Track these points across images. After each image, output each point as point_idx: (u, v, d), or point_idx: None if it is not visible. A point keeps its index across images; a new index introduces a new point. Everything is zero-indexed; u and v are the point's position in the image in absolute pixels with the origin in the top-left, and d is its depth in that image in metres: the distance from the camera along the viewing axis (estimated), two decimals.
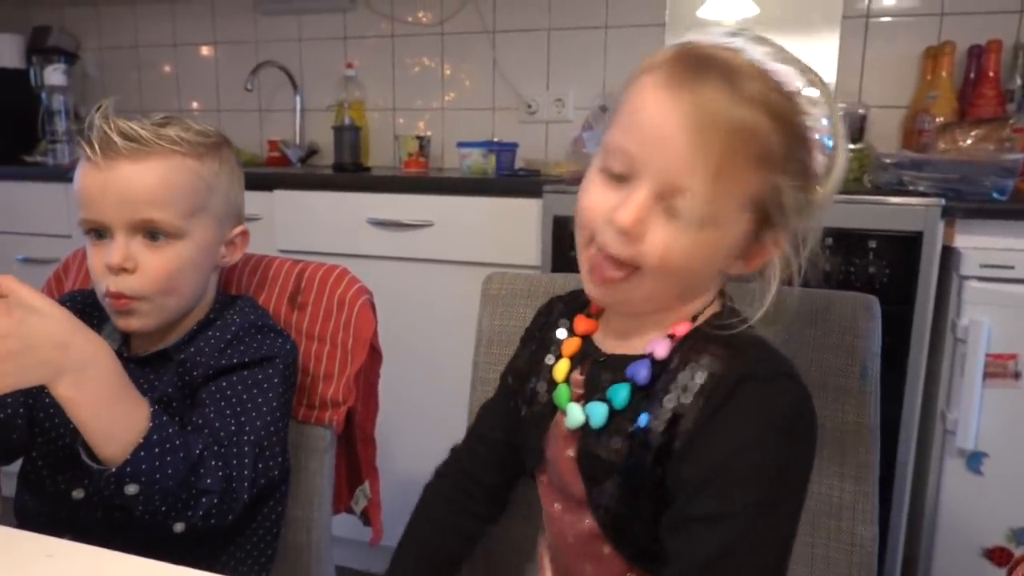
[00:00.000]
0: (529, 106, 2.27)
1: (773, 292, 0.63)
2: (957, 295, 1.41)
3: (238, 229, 0.91)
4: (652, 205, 0.59)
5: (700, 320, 0.66)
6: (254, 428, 0.80)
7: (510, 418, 0.78)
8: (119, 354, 0.87)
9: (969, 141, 1.63)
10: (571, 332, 0.73)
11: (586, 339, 0.72)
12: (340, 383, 0.97)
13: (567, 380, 0.70)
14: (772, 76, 0.58)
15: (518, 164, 2.09)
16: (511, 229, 1.68)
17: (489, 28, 2.28)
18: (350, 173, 2.10)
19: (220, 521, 0.77)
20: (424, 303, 1.78)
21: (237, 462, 0.77)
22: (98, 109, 0.81)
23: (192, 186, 0.83)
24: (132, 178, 0.79)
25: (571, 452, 0.69)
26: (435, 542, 0.83)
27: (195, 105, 2.70)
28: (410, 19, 2.37)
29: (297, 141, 2.51)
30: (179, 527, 0.76)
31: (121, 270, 0.80)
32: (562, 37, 2.23)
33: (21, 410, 0.85)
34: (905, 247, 1.41)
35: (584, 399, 0.68)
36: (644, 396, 0.63)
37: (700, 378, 0.61)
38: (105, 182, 0.79)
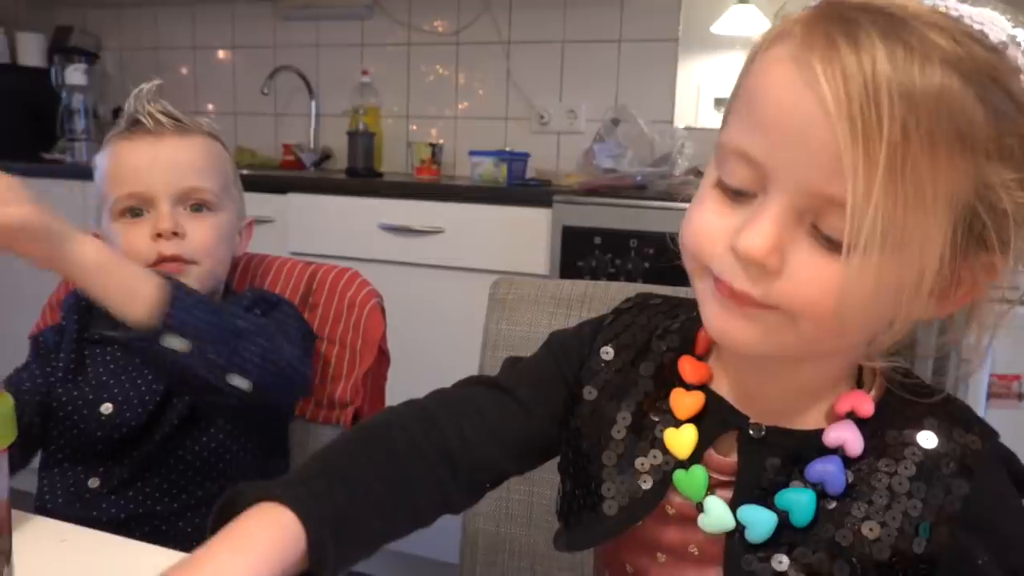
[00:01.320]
0: (541, 117, 2.29)
1: (987, 343, 0.47)
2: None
3: (248, 219, 0.98)
4: (793, 225, 0.42)
5: (874, 389, 0.50)
6: (289, 333, 0.83)
7: (561, 428, 0.58)
8: (142, 339, 0.89)
9: None
10: (676, 377, 0.53)
11: (707, 392, 0.52)
12: (348, 384, 0.99)
13: (698, 458, 0.51)
14: (966, 23, 0.40)
15: (529, 174, 2.11)
16: (521, 238, 1.70)
17: (504, 39, 2.31)
18: (363, 178, 2.12)
19: (281, 373, 0.76)
20: (433, 308, 1.80)
21: (284, 339, 0.80)
22: (139, 92, 0.87)
23: (224, 164, 0.92)
24: (180, 148, 0.86)
25: (707, 558, 0.51)
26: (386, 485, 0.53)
27: (211, 107, 2.74)
28: (426, 28, 2.40)
29: (311, 145, 2.54)
30: (238, 380, 0.73)
31: (172, 234, 0.84)
32: (576, 49, 2.25)
33: (36, 399, 0.86)
34: None
35: (736, 495, 0.49)
36: (832, 502, 0.47)
37: (910, 469, 0.46)
38: (156, 153, 0.85)
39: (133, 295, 0.68)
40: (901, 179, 0.39)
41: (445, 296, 1.79)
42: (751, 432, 0.50)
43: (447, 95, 2.41)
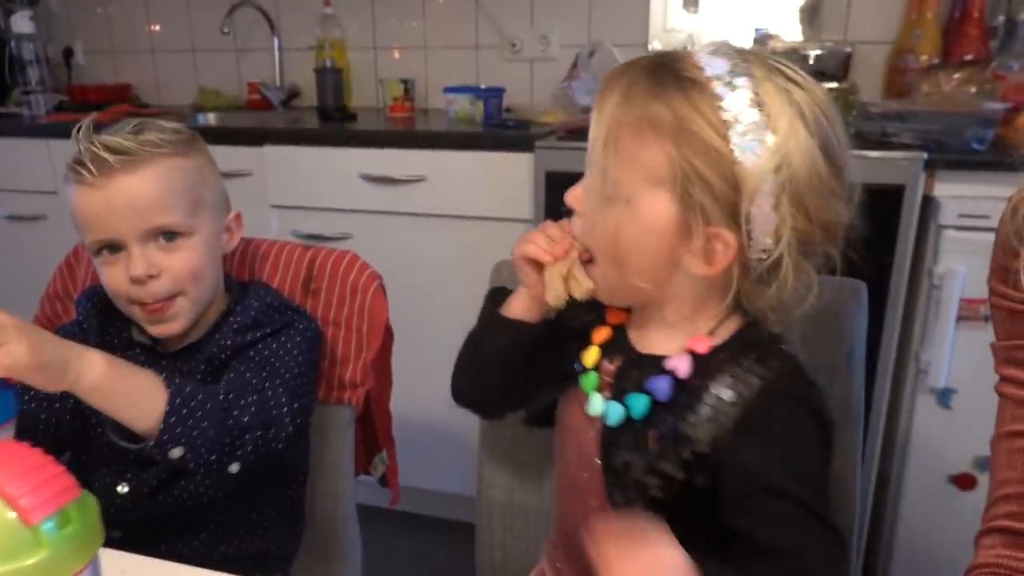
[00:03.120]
0: (513, 44, 2.24)
1: (774, 292, 0.64)
2: (935, 244, 1.47)
3: (232, 214, 0.95)
4: (597, 190, 0.66)
5: (719, 337, 0.69)
6: (283, 377, 0.86)
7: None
8: (152, 350, 0.91)
9: (952, 84, 1.66)
10: (601, 319, 0.76)
11: (618, 329, 0.75)
12: (358, 366, 1.02)
13: (597, 368, 0.74)
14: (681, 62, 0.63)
15: (504, 106, 2.08)
16: (503, 184, 1.71)
17: None
18: (338, 124, 2.08)
19: (270, 453, 0.82)
20: (421, 257, 1.82)
21: (272, 395, 0.83)
22: (78, 131, 0.83)
23: (187, 182, 0.87)
24: (133, 189, 0.82)
25: (592, 433, 0.73)
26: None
27: (170, 45, 2.62)
28: None
29: (278, 83, 2.46)
30: (234, 467, 0.79)
31: (148, 277, 0.84)
32: None
33: (69, 404, 0.88)
34: (887, 198, 1.45)
35: (612, 392, 0.72)
36: (663, 409, 0.68)
37: (728, 396, 0.65)
38: (108, 199, 0.82)
39: (140, 410, 0.74)
40: (621, 153, 0.63)
41: (431, 244, 1.80)
42: (629, 355, 0.73)
43: (415, 24, 2.33)
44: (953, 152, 1.46)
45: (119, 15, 2.65)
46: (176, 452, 0.75)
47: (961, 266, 1.43)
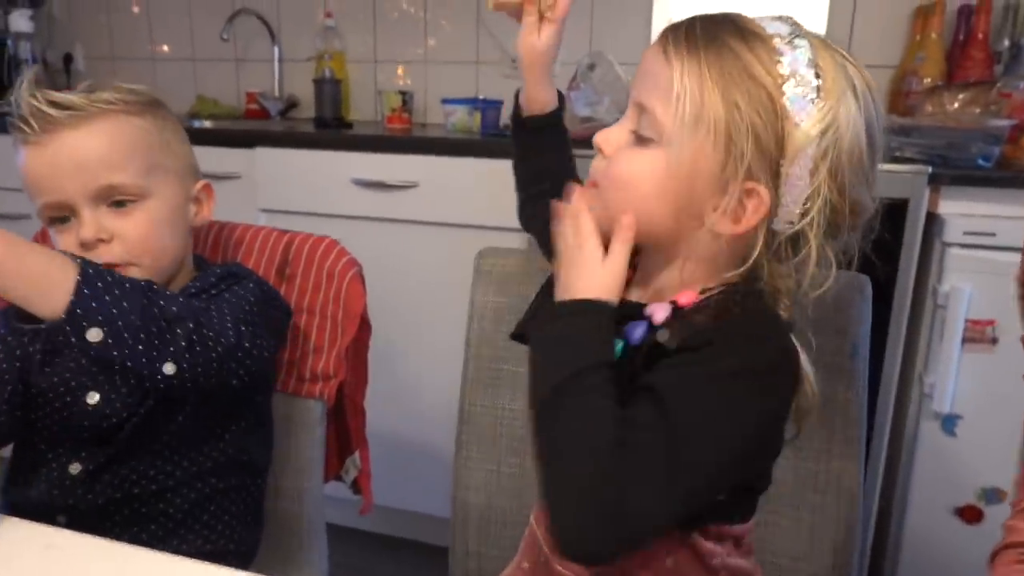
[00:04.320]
0: (514, 60, 2.22)
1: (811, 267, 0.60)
2: (939, 262, 1.42)
3: (199, 184, 0.89)
4: (628, 130, 0.63)
5: (705, 295, 0.64)
6: (229, 302, 0.78)
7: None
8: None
9: (956, 105, 1.63)
10: None
11: None
12: (331, 356, 0.97)
13: None
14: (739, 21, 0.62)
15: (504, 121, 2.06)
16: (497, 191, 1.66)
17: None
18: (333, 130, 2.05)
19: (210, 356, 0.72)
20: (410, 265, 1.77)
21: (216, 313, 0.75)
22: (19, 86, 0.76)
23: (143, 142, 0.81)
24: (80, 145, 0.76)
25: None
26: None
27: (167, 49, 2.60)
28: None
29: (276, 93, 2.44)
30: (169, 368, 0.70)
31: (98, 242, 0.78)
32: None
33: (9, 388, 0.82)
34: (891, 214, 1.41)
35: None
36: (634, 353, 0.63)
37: (696, 325, 0.61)
38: (53, 156, 0.76)
39: (44, 287, 0.64)
40: (663, 90, 0.60)
41: (422, 252, 1.76)
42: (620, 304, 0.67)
43: (415, 38, 2.32)
44: (958, 168, 1.42)
45: (121, 22, 2.64)
46: (94, 334, 0.65)
47: (966, 285, 1.38)
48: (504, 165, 1.68)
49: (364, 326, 1.02)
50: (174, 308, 0.71)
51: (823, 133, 0.58)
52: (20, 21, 2.15)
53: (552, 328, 0.62)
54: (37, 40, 2.26)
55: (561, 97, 0.88)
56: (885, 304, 1.44)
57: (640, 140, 0.62)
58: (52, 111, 0.75)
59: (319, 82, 2.20)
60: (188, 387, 0.72)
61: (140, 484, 0.82)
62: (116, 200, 0.79)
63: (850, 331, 0.79)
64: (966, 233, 1.39)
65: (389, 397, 1.81)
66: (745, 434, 0.58)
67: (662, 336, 0.61)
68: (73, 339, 0.65)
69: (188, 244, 0.89)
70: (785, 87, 0.58)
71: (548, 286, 0.73)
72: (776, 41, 0.59)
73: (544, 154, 0.88)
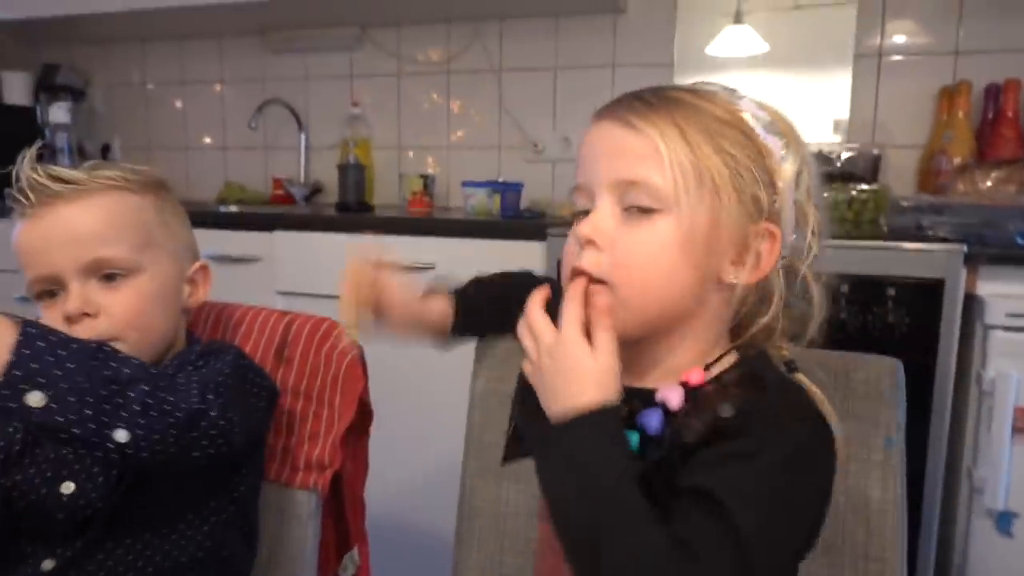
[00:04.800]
0: (535, 145, 2.24)
1: (774, 308, 0.60)
2: (982, 345, 1.34)
3: (197, 265, 0.88)
4: (614, 212, 0.59)
5: (716, 370, 0.61)
6: (200, 374, 0.73)
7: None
8: None
9: (989, 183, 1.58)
10: None
11: None
12: (326, 444, 0.92)
13: None
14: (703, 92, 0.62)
15: (524, 204, 2.05)
16: None
17: (495, 66, 2.26)
18: (352, 213, 2.06)
19: (167, 424, 0.66)
20: (421, 351, 1.72)
21: (182, 381, 0.70)
22: (21, 160, 0.76)
23: (138, 219, 0.80)
24: (74, 219, 0.76)
25: None
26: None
27: (203, 142, 2.69)
28: (417, 57, 2.35)
29: (302, 179, 2.48)
30: (121, 435, 0.64)
31: (83, 316, 0.75)
32: (569, 76, 2.20)
33: None
34: (926, 295, 1.34)
35: None
36: (654, 444, 0.60)
37: (724, 411, 0.58)
38: (47, 229, 0.76)
39: None
40: (669, 155, 0.57)
41: None
42: None
43: (439, 125, 2.36)
44: (995, 246, 1.35)
45: (158, 115, 2.74)
46: (35, 398, 0.60)
47: (1013, 370, 1.29)
48: (522, 246, 1.68)
49: (365, 413, 0.97)
50: (127, 370, 0.66)
51: (798, 161, 0.60)
52: (59, 113, 2.24)
53: (558, 451, 0.56)
54: (75, 131, 2.34)
55: (450, 291, 0.86)
56: (926, 392, 1.35)
57: (640, 213, 0.58)
58: (52, 184, 0.76)
59: (343, 167, 2.23)
60: (144, 456, 0.66)
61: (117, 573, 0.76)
62: (106, 274, 0.77)
63: (881, 420, 0.72)
64: (1009, 315, 1.31)
65: (390, 487, 1.74)
66: (806, 522, 0.56)
67: (688, 433, 0.58)
68: (12, 404, 0.60)
69: (180, 324, 0.86)
70: (754, 126, 0.60)
71: (523, 391, 0.67)
72: (720, 93, 0.61)
73: (486, 315, 0.86)
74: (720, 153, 0.58)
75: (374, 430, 0.99)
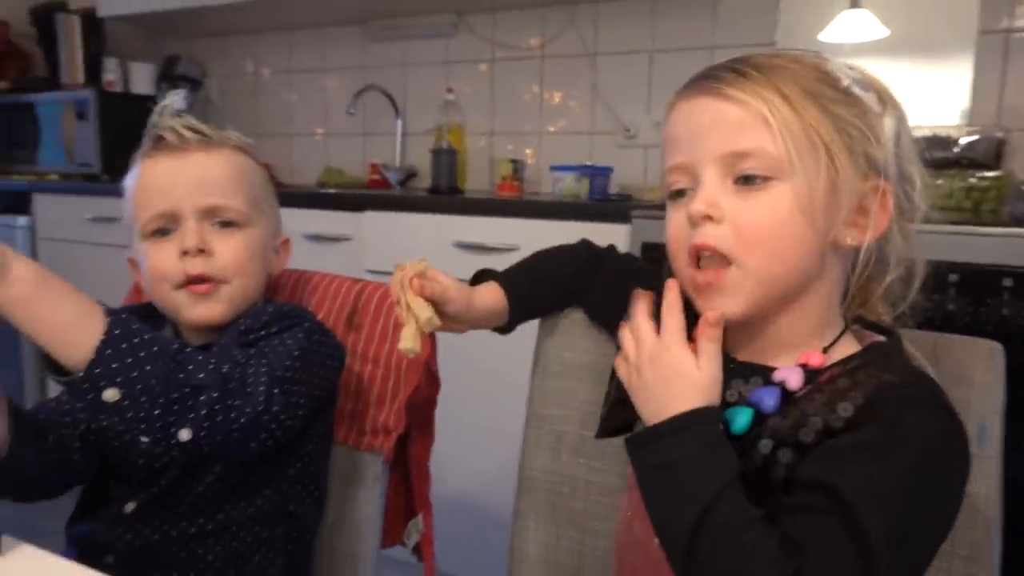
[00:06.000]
0: (628, 130, 2.19)
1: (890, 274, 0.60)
2: None
3: (282, 237, 0.94)
4: (723, 185, 0.58)
5: (833, 353, 0.60)
6: (269, 360, 0.75)
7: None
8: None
9: None
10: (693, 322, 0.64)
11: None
12: (392, 409, 0.93)
13: None
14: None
15: (613, 189, 2.01)
16: None
17: (590, 51, 2.23)
18: (443, 196, 2.09)
19: (230, 427, 0.69)
20: None
21: (252, 375, 0.72)
22: (162, 108, 0.85)
23: (253, 180, 0.88)
24: (205, 164, 0.83)
25: None
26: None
27: (306, 128, 2.79)
28: (511, 43, 2.35)
29: (397, 164, 2.54)
30: (184, 434, 0.67)
31: (199, 251, 0.81)
32: (665, 59, 2.15)
33: (83, 427, 0.82)
34: None
35: None
36: (766, 423, 0.59)
37: (845, 411, 0.55)
38: (180, 169, 0.82)
39: (68, 338, 0.63)
40: (783, 122, 0.57)
41: None
42: (727, 364, 0.62)
43: (531, 110, 2.35)
44: None
45: (267, 103, 2.87)
46: (110, 394, 0.63)
47: None
48: (607, 228, 1.64)
49: (432, 381, 0.97)
50: (200, 375, 0.69)
51: (897, 119, 0.59)
52: (176, 99, 2.37)
53: (661, 454, 0.56)
54: (188, 114, 2.48)
55: (500, 276, 0.83)
56: None
57: (754, 183, 0.57)
58: (188, 133, 0.84)
59: (436, 152, 2.26)
60: (204, 452, 0.69)
61: (178, 526, 0.79)
62: (222, 220, 0.83)
63: (974, 407, 0.66)
64: None
65: (454, 458, 1.75)
66: (937, 531, 0.54)
67: (807, 421, 0.56)
68: (89, 396, 0.63)
69: (263, 286, 0.90)
70: (848, 84, 0.58)
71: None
72: (806, 55, 0.61)
73: (543, 297, 0.86)
74: (826, 113, 0.57)
75: (440, 400, 0.99)
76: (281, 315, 0.83)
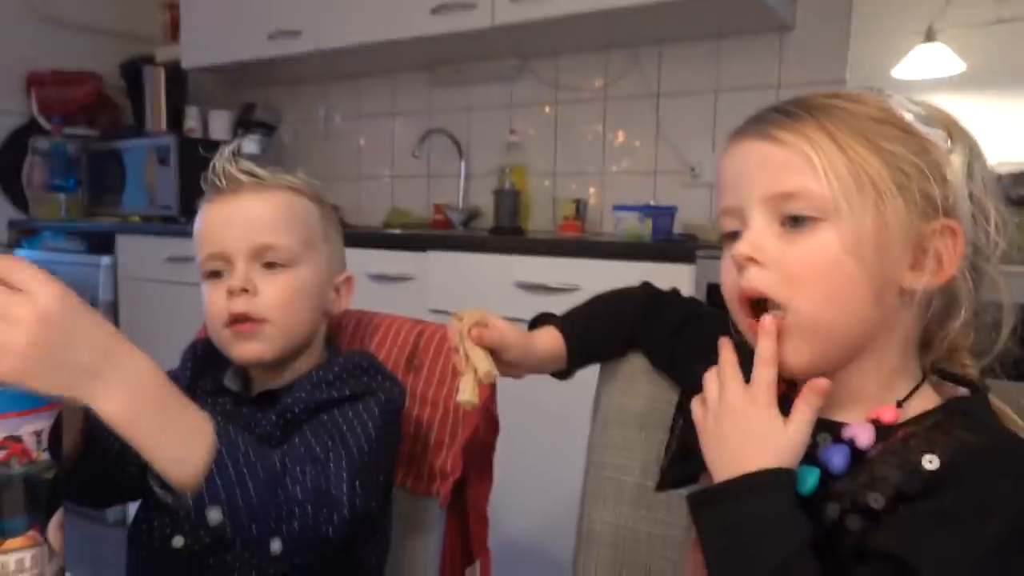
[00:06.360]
0: (692, 169, 2.17)
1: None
2: None
3: (344, 275, 0.94)
4: (770, 228, 0.57)
5: (908, 407, 0.57)
6: (350, 451, 0.75)
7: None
8: (238, 396, 0.87)
9: None
10: None
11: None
12: (449, 452, 0.92)
13: None
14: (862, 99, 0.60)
15: (678, 229, 1.99)
16: None
17: (654, 91, 2.23)
18: (501, 235, 2.10)
19: (319, 536, 0.70)
20: None
21: (334, 469, 0.73)
22: (220, 154, 0.87)
23: (304, 219, 0.88)
24: (254, 206, 0.85)
25: None
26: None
27: (373, 171, 2.86)
28: (575, 86, 2.37)
29: (460, 205, 2.57)
30: (276, 546, 0.68)
31: (243, 291, 0.83)
32: (730, 98, 2.12)
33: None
34: None
35: None
36: (832, 484, 0.55)
37: (921, 475, 0.52)
38: (231, 212, 0.85)
39: (177, 454, 0.61)
40: (830, 161, 0.55)
41: None
42: None
43: (594, 151, 2.36)
44: None
45: (338, 147, 2.96)
46: (214, 515, 0.64)
47: None
48: (670, 268, 1.62)
49: (491, 424, 0.96)
50: (299, 494, 0.69)
51: (968, 151, 0.56)
52: (250, 145, 2.48)
53: (730, 513, 0.53)
54: (264, 162, 2.57)
55: (558, 320, 0.84)
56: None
57: (800, 224, 0.55)
58: (241, 176, 0.86)
59: (499, 193, 2.28)
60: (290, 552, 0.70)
61: (240, 571, 0.79)
62: (268, 262, 0.85)
63: None
64: None
65: (514, 503, 1.72)
66: None
67: (880, 485, 0.52)
68: (193, 516, 0.63)
69: (320, 326, 0.91)
70: (911, 121, 0.56)
71: (681, 417, 0.66)
72: (867, 93, 0.59)
73: (601, 342, 0.86)
74: (877, 152, 0.54)
75: (499, 445, 0.98)
76: (351, 369, 0.84)
